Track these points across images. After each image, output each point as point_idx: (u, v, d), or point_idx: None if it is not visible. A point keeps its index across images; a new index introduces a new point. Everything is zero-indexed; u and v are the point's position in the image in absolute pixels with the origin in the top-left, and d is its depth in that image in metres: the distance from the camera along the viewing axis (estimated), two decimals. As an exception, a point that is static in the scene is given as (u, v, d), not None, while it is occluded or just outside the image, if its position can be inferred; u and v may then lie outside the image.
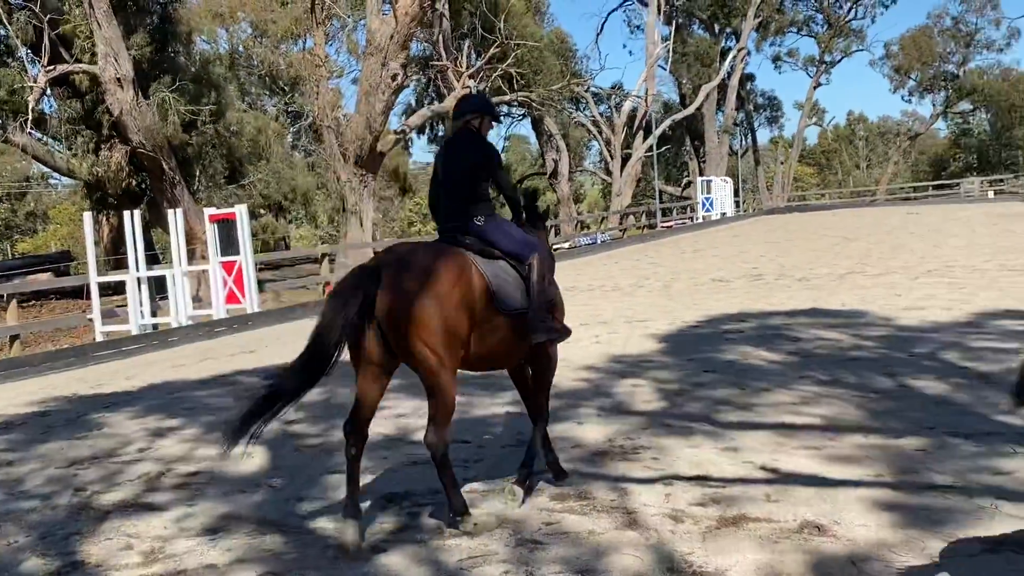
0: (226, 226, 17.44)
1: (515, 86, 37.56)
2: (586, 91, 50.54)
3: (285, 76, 44.05)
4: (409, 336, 4.53)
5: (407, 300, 4.51)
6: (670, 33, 51.37)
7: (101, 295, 17.79)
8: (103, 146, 25.34)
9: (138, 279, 17.32)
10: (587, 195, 78.92)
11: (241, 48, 45.77)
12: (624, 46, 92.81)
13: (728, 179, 47.56)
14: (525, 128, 67.72)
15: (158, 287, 18.52)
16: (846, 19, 61.10)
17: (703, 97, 51.55)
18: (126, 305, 17.66)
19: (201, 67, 30.22)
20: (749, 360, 9.04)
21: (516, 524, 4.81)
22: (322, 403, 8.16)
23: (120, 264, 23.68)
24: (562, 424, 6.75)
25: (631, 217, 44.04)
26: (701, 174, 50.95)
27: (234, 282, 17.36)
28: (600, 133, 51.26)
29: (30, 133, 25.11)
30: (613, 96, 53.61)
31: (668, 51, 50.76)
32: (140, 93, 23.34)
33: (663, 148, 54.03)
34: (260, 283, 19.63)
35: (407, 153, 59.12)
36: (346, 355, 4.68)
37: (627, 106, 50.03)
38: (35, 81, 24.21)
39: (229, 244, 17.38)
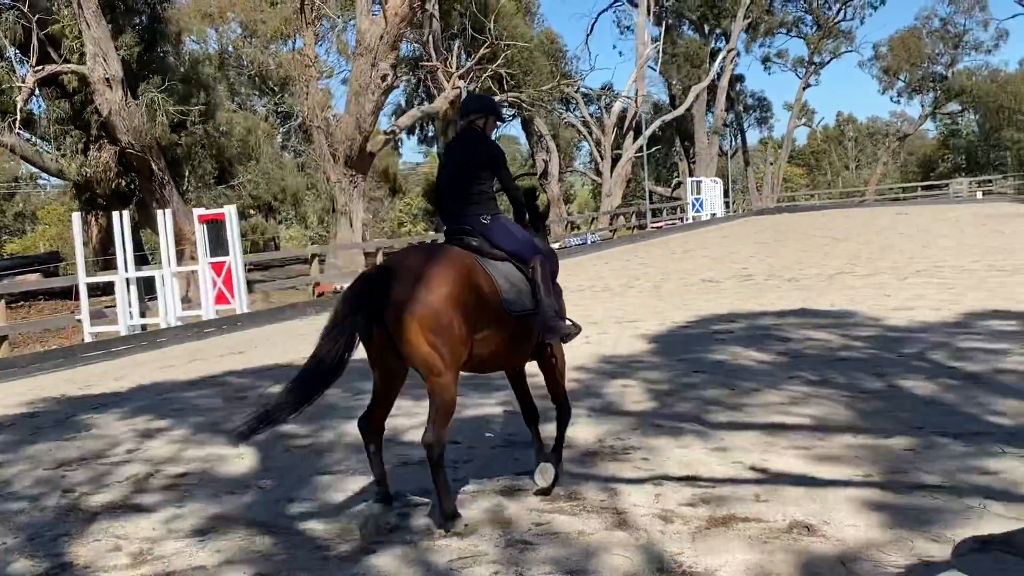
0: (215, 227, 17.40)
1: (505, 86, 37.61)
2: (576, 92, 50.61)
3: (275, 76, 44.00)
4: (414, 338, 4.55)
5: (413, 302, 4.54)
6: (660, 34, 51.47)
7: (90, 296, 17.72)
8: (92, 146, 25.26)
9: (127, 280, 17.26)
10: (577, 196, 78.99)
11: (231, 48, 45.67)
12: (614, 47, 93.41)
13: (718, 180, 47.64)
14: (515, 129, 67.95)
15: (147, 288, 18.45)
16: (835, 20, 61.36)
17: (693, 98, 51.67)
18: (115, 306, 17.59)
19: (190, 67, 30.14)
20: (739, 360, 9.05)
21: (506, 525, 4.81)
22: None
23: (109, 265, 23.57)
24: (552, 424, 6.73)
25: (621, 218, 44.08)
26: (691, 175, 51.09)
27: (223, 283, 17.31)
28: (590, 134, 51.33)
29: (19, 133, 25.04)
30: (603, 97, 53.72)
31: (658, 52, 50.84)
32: (129, 93, 23.26)
33: (653, 149, 54.10)
34: (249, 284, 19.60)
35: (397, 153, 59.23)
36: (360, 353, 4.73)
37: (617, 107, 50.09)
38: (23, 81, 24.14)
39: (218, 245, 17.34)
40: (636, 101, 48.83)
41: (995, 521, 4.39)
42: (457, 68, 35.20)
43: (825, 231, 29.76)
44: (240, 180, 34.13)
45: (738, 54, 57.19)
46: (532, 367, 5.52)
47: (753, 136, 72.46)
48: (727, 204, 51.59)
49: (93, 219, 30.60)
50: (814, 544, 4.29)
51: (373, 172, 41.69)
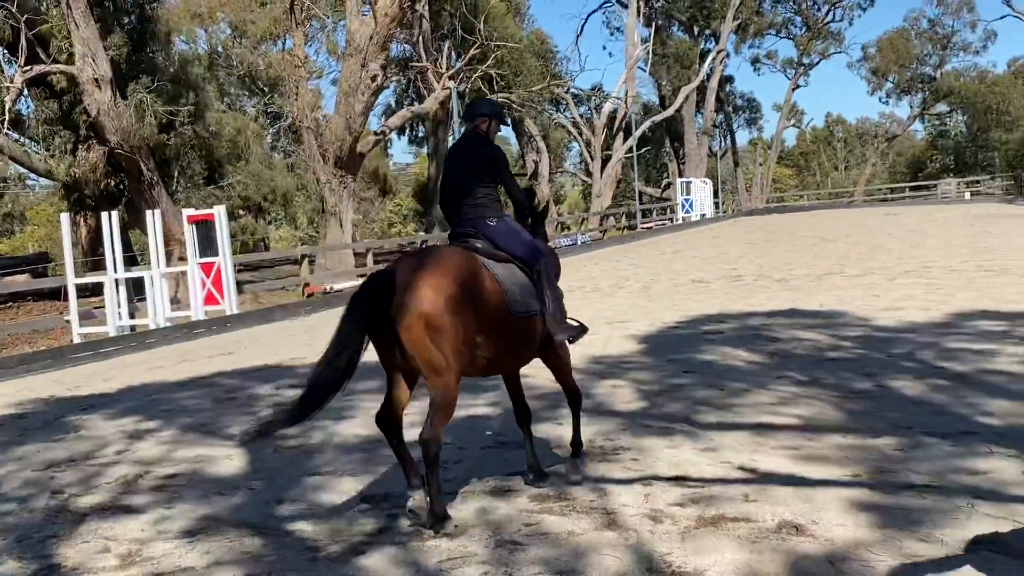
0: (205, 227, 17.35)
1: (495, 87, 37.57)
2: (566, 92, 50.64)
3: (264, 77, 43.93)
4: (418, 338, 4.58)
5: (417, 303, 4.56)
6: (650, 35, 51.60)
7: (79, 297, 17.63)
8: (81, 147, 25.15)
9: (116, 280, 17.20)
10: (567, 196, 79.07)
11: (220, 48, 45.61)
12: (604, 48, 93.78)
13: (707, 180, 47.75)
14: (505, 129, 67.76)
15: (136, 289, 18.39)
16: (824, 21, 61.61)
17: (683, 99, 51.78)
18: (104, 307, 17.53)
19: (180, 67, 30.00)
20: (728, 361, 9.08)
21: (496, 525, 4.82)
22: (302, 405, 8.11)
23: (98, 265, 23.48)
24: (542, 424, 6.76)
25: (611, 218, 44.14)
26: (681, 175, 51.20)
27: (213, 283, 17.27)
28: (580, 134, 51.37)
29: (7, 134, 24.93)
30: (593, 97, 53.75)
31: (648, 53, 50.92)
32: (118, 94, 23.18)
33: (643, 149, 54.25)
34: (239, 284, 19.54)
35: (387, 154, 59.15)
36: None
37: (607, 107, 50.15)
38: (12, 81, 24.02)
39: (208, 245, 17.29)
40: (626, 102, 48.90)
41: (983, 521, 4.41)
42: (447, 69, 35.17)
43: (814, 232, 29.85)
44: (229, 180, 34.00)
45: (728, 55, 57.47)
46: (530, 367, 5.55)
47: (743, 137, 72.81)
48: (717, 205, 51.70)
49: (82, 220, 30.49)
50: (803, 544, 4.30)
51: (363, 173, 41.62)
